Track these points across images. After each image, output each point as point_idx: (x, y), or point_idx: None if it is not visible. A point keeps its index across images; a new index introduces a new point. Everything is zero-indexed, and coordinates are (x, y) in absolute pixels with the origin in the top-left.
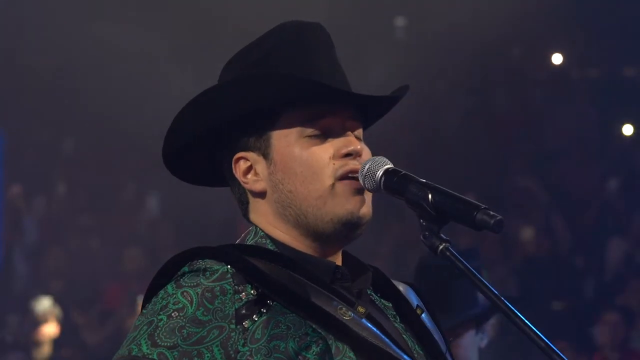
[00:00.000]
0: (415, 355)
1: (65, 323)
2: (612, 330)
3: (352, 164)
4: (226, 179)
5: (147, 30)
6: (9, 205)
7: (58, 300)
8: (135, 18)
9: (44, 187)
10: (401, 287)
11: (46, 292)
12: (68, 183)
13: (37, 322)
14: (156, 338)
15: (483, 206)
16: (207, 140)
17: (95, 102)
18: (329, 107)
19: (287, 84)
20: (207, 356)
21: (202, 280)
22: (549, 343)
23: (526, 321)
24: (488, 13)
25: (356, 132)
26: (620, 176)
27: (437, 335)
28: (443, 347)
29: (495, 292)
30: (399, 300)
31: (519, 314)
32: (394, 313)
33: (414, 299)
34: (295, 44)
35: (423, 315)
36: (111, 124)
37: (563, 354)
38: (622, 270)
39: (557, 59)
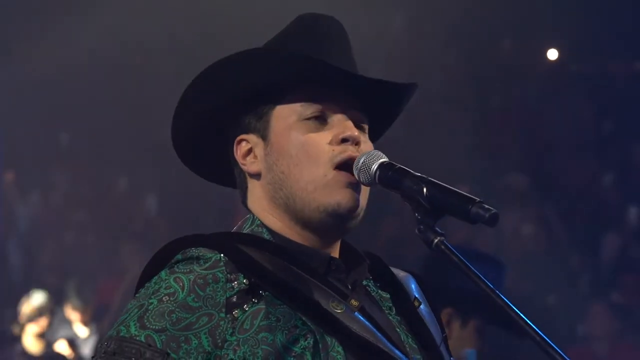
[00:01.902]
0: (408, 348)
1: (59, 317)
2: (604, 322)
3: (351, 150)
4: (232, 166)
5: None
6: (5, 199)
7: (53, 294)
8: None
9: (40, 181)
10: (402, 274)
11: (41, 287)
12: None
13: (32, 315)
14: (145, 321)
15: (478, 200)
16: (211, 123)
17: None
18: (331, 90)
19: (286, 60)
20: (195, 342)
21: (195, 267)
22: (545, 337)
23: (522, 315)
24: (481, 6)
25: (358, 123)
26: (615, 171)
27: (433, 328)
28: (438, 340)
29: (491, 285)
30: (398, 291)
31: (515, 308)
32: (390, 305)
33: (413, 290)
34: (307, 32)
35: (421, 306)
36: (108, 118)
37: (559, 348)
38: (616, 265)
39: (552, 54)
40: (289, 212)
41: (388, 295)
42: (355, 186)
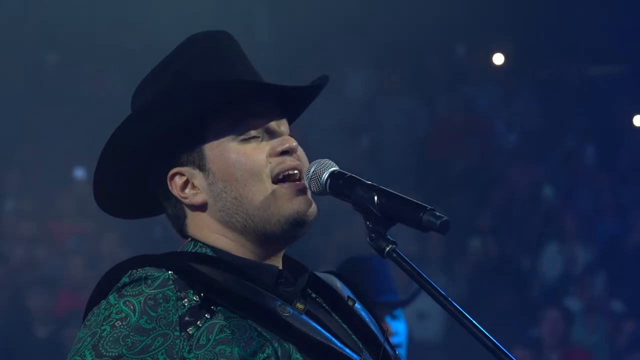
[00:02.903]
0: (355, 347)
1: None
2: (554, 327)
3: (289, 160)
4: (158, 200)
5: None
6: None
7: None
8: None
9: None
10: (328, 279)
11: None
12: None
13: None
14: (100, 348)
15: (429, 207)
16: (135, 167)
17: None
18: (254, 107)
19: (204, 92)
20: None
21: (144, 288)
22: (497, 342)
23: (474, 321)
24: (429, 12)
25: (285, 129)
26: (559, 180)
27: (372, 324)
28: (380, 337)
29: (443, 293)
30: (331, 295)
31: (467, 315)
32: (329, 309)
33: (345, 290)
34: (206, 54)
35: (356, 305)
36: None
37: (510, 353)
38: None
39: (498, 59)
40: (247, 232)
41: (321, 300)
42: (303, 192)
